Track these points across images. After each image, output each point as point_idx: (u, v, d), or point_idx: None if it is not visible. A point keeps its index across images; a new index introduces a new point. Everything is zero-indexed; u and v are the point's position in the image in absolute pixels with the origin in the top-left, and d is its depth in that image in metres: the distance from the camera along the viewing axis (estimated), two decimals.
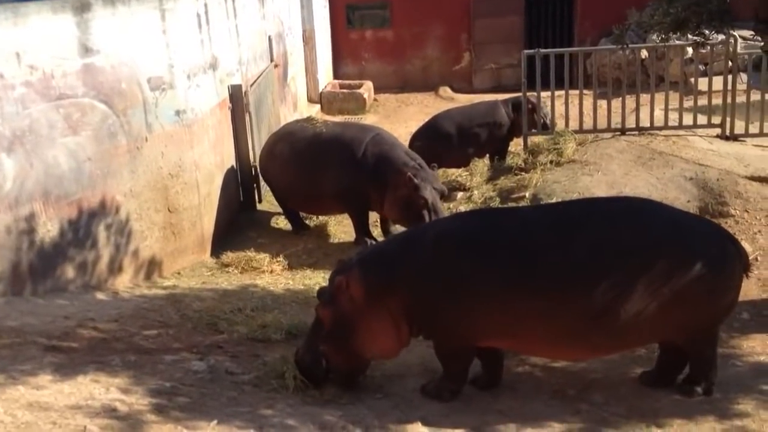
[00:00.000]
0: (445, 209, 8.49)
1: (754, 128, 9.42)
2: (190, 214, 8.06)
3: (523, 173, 9.30)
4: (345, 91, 16.16)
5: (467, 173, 10.07)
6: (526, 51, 10.14)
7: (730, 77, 9.48)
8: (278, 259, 8.21)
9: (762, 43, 6.52)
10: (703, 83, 10.20)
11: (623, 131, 9.74)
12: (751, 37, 6.74)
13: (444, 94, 16.82)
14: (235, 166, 9.54)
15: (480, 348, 4.95)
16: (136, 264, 7.34)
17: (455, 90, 17.07)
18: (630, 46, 9.34)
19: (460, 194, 9.47)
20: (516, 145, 10.91)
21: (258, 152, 9.82)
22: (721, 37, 8.62)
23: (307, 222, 9.40)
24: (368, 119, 14.65)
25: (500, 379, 5.15)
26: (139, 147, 7.27)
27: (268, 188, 9.80)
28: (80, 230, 6.70)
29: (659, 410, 4.75)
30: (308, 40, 15.46)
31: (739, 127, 9.47)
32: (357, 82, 16.75)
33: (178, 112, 7.83)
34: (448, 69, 17.57)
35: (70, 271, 6.62)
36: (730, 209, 7.93)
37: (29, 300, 6.16)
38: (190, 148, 8.05)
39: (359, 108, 15.66)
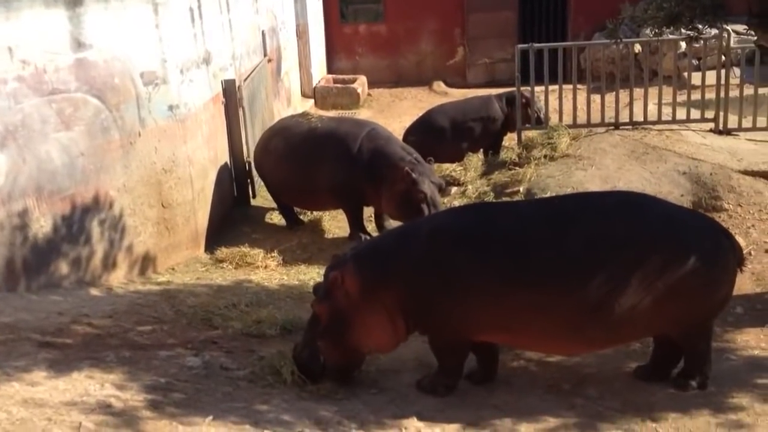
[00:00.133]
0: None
1: (747, 122, 9.43)
2: (184, 210, 8.04)
3: (517, 168, 9.29)
4: (339, 85, 16.12)
5: (461, 168, 10.06)
6: (519, 45, 10.13)
7: (723, 72, 9.49)
8: (273, 254, 8.20)
9: (755, 38, 6.53)
10: (696, 78, 10.23)
11: (617, 126, 9.75)
12: (744, 31, 6.77)
13: (438, 89, 16.80)
14: (228, 161, 9.52)
15: (475, 343, 4.96)
16: (130, 259, 7.32)
17: (449, 85, 17.06)
18: (623, 40, 9.32)
19: (454, 189, 9.46)
20: (510, 139, 10.90)
21: (252, 147, 9.80)
22: (714, 31, 8.60)
23: (301, 217, 9.38)
24: (362, 114, 14.62)
25: (495, 374, 5.16)
26: (132, 142, 7.24)
27: (262, 183, 9.79)
28: (74, 226, 6.68)
29: (654, 404, 4.76)
30: (302, 34, 15.42)
31: (733, 121, 9.48)
32: (351, 76, 16.71)
33: (171, 107, 7.81)
34: (441, 64, 17.55)
35: (63, 267, 6.60)
36: (724, 203, 7.95)
37: (23, 296, 6.14)
38: (183, 143, 8.03)
39: (353, 103, 15.63)
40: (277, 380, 4.93)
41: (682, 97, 10.01)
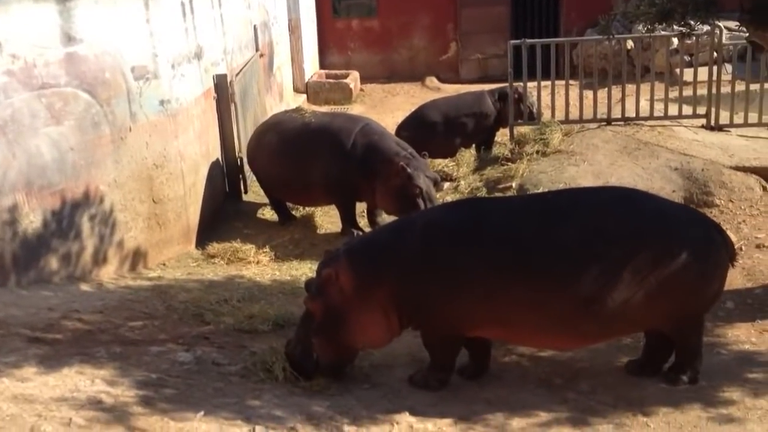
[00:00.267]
0: None
1: (738, 119, 9.44)
2: (175, 205, 8.01)
3: (509, 163, 9.29)
4: (331, 81, 16.10)
5: (454, 163, 10.06)
6: (512, 41, 10.12)
7: (715, 68, 9.50)
8: (265, 249, 8.19)
9: (747, 34, 6.54)
10: (688, 74, 10.22)
11: (609, 122, 9.75)
12: (736, 27, 6.77)
13: (430, 84, 16.79)
14: (220, 156, 9.49)
15: (467, 338, 4.96)
16: (120, 255, 7.29)
17: (442, 80, 17.05)
18: (616, 36, 9.32)
19: (446, 184, 9.46)
20: (502, 135, 10.91)
21: (243, 142, 9.77)
22: (706, 27, 8.63)
23: (293, 213, 9.36)
24: (355, 109, 14.61)
25: (487, 369, 5.17)
26: (123, 137, 7.21)
27: (253, 178, 9.76)
28: (64, 221, 6.64)
29: (645, 399, 4.77)
30: (294, 29, 15.38)
31: (724, 117, 9.49)
32: (343, 72, 16.69)
33: (162, 102, 7.77)
34: (434, 59, 17.54)
35: (53, 263, 6.57)
36: (715, 199, 7.97)
37: (13, 291, 6.11)
38: (174, 138, 8.00)
39: (346, 98, 15.61)
40: (268, 376, 4.92)
41: (674, 93, 10.01)
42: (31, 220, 6.33)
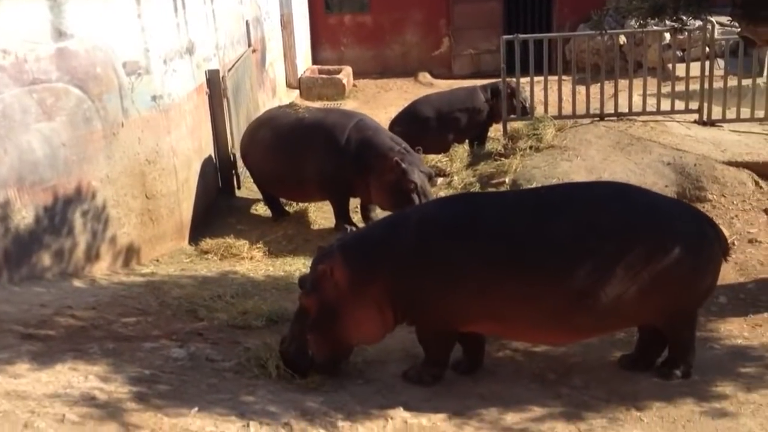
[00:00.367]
0: None
1: (731, 114, 9.47)
2: (168, 201, 7.99)
3: (502, 159, 9.30)
4: (324, 76, 16.07)
5: (447, 159, 10.07)
6: (505, 36, 10.11)
7: (707, 63, 9.52)
8: (258, 245, 8.18)
9: (739, 29, 6.54)
10: (680, 69, 10.27)
11: (602, 117, 9.77)
12: (729, 22, 6.78)
13: (423, 80, 16.78)
14: (213, 151, 9.47)
15: (461, 333, 4.96)
16: (113, 251, 7.27)
17: (435, 75, 17.04)
18: (608, 31, 9.33)
19: (440, 180, 9.46)
20: (495, 130, 10.91)
21: (236, 138, 9.75)
22: (698, 23, 8.64)
23: (287, 208, 9.35)
24: (347, 105, 14.58)
25: (481, 364, 5.18)
26: (115, 132, 7.18)
27: (247, 174, 9.74)
28: (56, 217, 6.62)
29: (638, 393, 4.79)
30: (286, 24, 15.34)
31: (717, 112, 9.52)
32: (336, 67, 16.66)
33: (154, 98, 7.74)
34: (427, 54, 17.53)
35: (46, 259, 6.54)
36: (707, 194, 7.99)
37: (5, 288, 6.08)
38: (167, 133, 7.97)
39: (338, 94, 15.58)
40: (262, 372, 4.91)
41: (666, 89, 10.03)
42: (23, 216, 6.30)
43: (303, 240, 8.51)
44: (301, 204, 9.38)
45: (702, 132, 9.24)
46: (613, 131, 9.31)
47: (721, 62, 10.33)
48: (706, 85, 9.48)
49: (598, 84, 9.96)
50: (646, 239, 4.67)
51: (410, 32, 17.57)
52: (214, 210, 9.22)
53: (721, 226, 6.76)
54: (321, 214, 9.18)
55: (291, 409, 4.35)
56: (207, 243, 8.16)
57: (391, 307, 4.85)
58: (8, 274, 6.19)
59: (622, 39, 12.89)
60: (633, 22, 8.06)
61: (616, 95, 9.74)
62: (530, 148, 9.26)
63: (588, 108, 9.87)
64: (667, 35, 11.55)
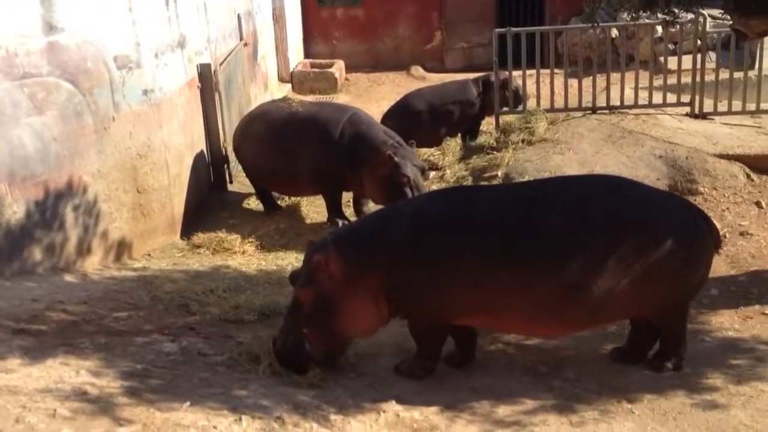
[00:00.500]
0: None
1: (722, 106, 9.49)
2: (160, 195, 7.97)
3: (494, 152, 9.30)
4: (316, 70, 16.03)
5: (439, 152, 10.06)
6: (497, 30, 10.10)
7: (699, 56, 9.54)
8: (250, 239, 8.17)
9: (731, 22, 6.55)
10: (672, 62, 10.27)
11: (594, 110, 9.77)
12: (720, 15, 6.77)
13: (416, 74, 16.75)
14: (205, 146, 9.44)
15: (453, 326, 4.97)
16: (105, 245, 7.25)
17: (427, 69, 17.01)
18: (600, 25, 9.34)
19: (432, 173, 9.46)
20: (488, 124, 10.91)
21: (228, 132, 9.73)
22: (690, 15, 8.65)
23: (279, 202, 9.34)
24: (340, 99, 14.56)
25: (473, 357, 5.19)
26: (106, 127, 7.15)
27: (239, 168, 9.72)
28: (47, 212, 6.59)
29: (630, 385, 4.81)
30: (278, 18, 15.28)
31: (708, 105, 9.53)
32: (328, 61, 16.61)
33: (145, 92, 7.72)
34: (419, 48, 17.49)
35: (37, 254, 6.52)
36: (699, 187, 8.02)
37: None
38: (158, 127, 7.94)
39: (331, 87, 15.55)
40: (255, 367, 4.90)
41: (658, 82, 10.04)
42: (15, 211, 6.28)
43: (295, 234, 8.50)
44: (293, 198, 9.37)
45: (694, 125, 9.25)
46: (605, 124, 9.32)
47: (713, 55, 10.35)
48: (698, 78, 9.49)
49: (590, 77, 9.96)
50: (638, 232, 4.68)
51: (402, 26, 17.53)
52: (206, 204, 9.20)
53: (713, 219, 6.80)
54: (313, 208, 9.17)
55: (283, 403, 4.35)
56: (199, 237, 8.15)
57: (385, 299, 4.85)
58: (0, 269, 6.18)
59: (614, 32, 12.88)
60: (625, 15, 8.05)
61: (608, 88, 9.75)
62: (522, 141, 9.26)
63: (580, 101, 9.88)
64: (659, 28, 11.52)
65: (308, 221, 8.96)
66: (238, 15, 11.72)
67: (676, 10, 6.50)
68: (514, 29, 9.90)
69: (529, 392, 4.77)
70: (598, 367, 5.11)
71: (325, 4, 17.49)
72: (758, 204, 7.80)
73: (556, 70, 9.95)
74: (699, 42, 9.71)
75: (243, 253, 7.91)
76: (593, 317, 4.85)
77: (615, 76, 9.82)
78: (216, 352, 5.14)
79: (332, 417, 4.28)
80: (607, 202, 4.78)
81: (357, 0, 17.45)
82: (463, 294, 4.73)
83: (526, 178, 8.12)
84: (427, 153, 10.02)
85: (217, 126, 9.57)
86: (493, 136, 9.81)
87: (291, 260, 7.50)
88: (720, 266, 6.76)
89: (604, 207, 4.73)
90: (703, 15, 9.28)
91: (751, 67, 10.01)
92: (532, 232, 4.67)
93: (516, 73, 10.08)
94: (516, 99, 10.25)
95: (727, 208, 7.76)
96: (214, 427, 3.94)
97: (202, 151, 9.31)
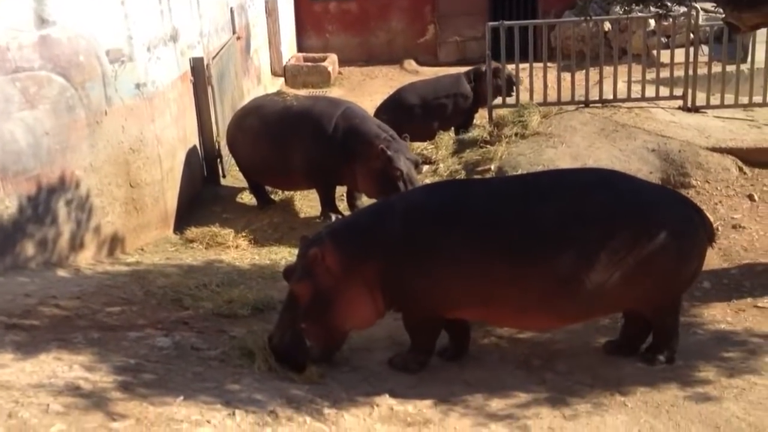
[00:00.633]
0: None
1: (715, 100, 9.51)
2: (153, 189, 7.95)
3: (488, 146, 9.30)
4: (309, 64, 15.99)
5: (432, 146, 10.06)
6: (490, 23, 10.09)
7: (692, 49, 9.55)
8: (243, 234, 8.15)
9: (723, 15, 6.56)
10: (665, 55, 10.28)
11: (587, 104, 9.78)
12: (713, 8, 6.79)
13: (409, 67, 16.74)
14: (198, 140, 9.42)
15: (447, 320, 4.98)
16: (97, 240, 7.22)
17: (420, 63, 17.00)
18: (593, 18, 9.34)
19: (425, 167, 9.45)
20: (481, 118, 10.91)
21: (221, 126, 9.70)
22: (682, 9, 8.66)
23: (272, 196, 9.32)
24: (333, 92, 14.54)
25: (467, 351, 5.20)
26: (98, 121, 7.13)
27: (232, 163, 9.70)
28: (40, 206, 6.57)
29: (623, 378, 4.82)
30: (271, 12, 15.23)
31: (701, 98, 9.55)
32: (321, 55, 16.58)
33: (138, 85, 7.69)
34: (412, 42, 17.47)
35: (30, 249, 6.50)
36: (692, 180, 8.03)
37: None
38: (151, 121, 7.92)
39: (324, 81, 15.52)
40: (248, 362, 4.89)
41: (651, 75, 10.05)
42: (7, 206, 6.25)
43: (289, 228, 8.49)
44: (286, 192, 9.36)
45: (686, 118, 9.27)
46: (598, 118, 9.32)
47: (705, 48, 10.36)
48: (691, 72, 9.50)
49: (583, 71, 9.97)
50: (632, 225, 4.69)
51: (396, 19, 17.50)
52: (199, 199, 9.18)
53: (706, 212, 6.82)
54: (307, 203, 9.16)
55: (277, 397, 4.35)
56: (192, 232, 8.13)
57: (381, 292, 4.85)
58: None
59: (607, 25, 12.90)
60: (618, 9, 8.05)
61: (601, 82, 9.75)
62: (515, 135, 9.25)
63: (573, 95, 9.88)
64: (652, 21, 11.54)
65: (302, 215, 8.95)
66: (231, 8, 11.68)
67: (668, 4, 6.52)
68: (507, 23, 9.89)
69: (522, 385, 4.78)
70: (591, 360, 5.12)
71: None
72: (750, 197, 7.82)
73: (549, 64, 9.94)
74: (692, 35, 9.72)
75: (236, 247, 7.89)
76: (586, 310, 4.86)
77: (608, 70, 9.82)
78: (209, 346, 5.14)
79: (326, 411, 4.28)
80: (600, 195, 4.79)
81: None
82: (457, 287, 4.74)
83: (519, 172, 8.12)
84: (420, 147, 10.02)
85: (210, 120, 9.54)
86: (486, 130, 9.81)
87: (284, 255, 7.49)
88: (712, 259, 6.77)
89: (597, 200, 4.74)
90: (696, 8, 9.29)
91: (744, 60, 10.03)
92: (525, 226, 4.68)
93: (509, 67, 10.08)
94: (509, 85, 10.23)
95: (720, 201, 7.78)
96: (208, 422, 3.94)
97: (194, 146, 9.28)
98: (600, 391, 4.69)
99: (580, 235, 4.62)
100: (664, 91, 9.71)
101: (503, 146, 9.08)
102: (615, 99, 9.73)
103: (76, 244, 6.97)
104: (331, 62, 16.11)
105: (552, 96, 10.02)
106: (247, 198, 9.37)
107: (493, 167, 8.79)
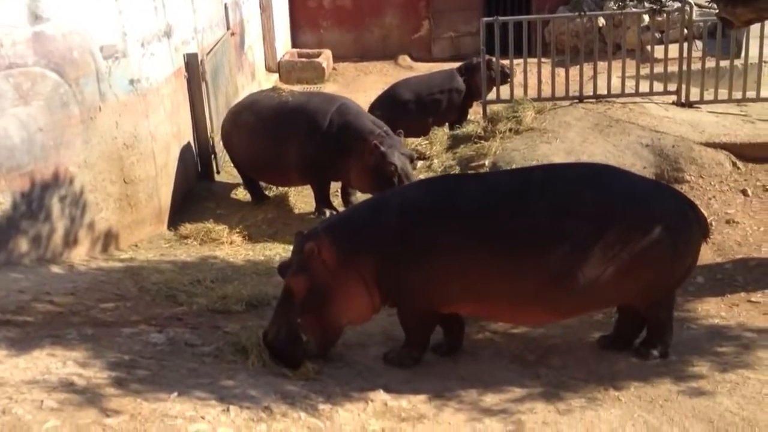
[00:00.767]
0: None
1: (709, 95, 9.52)
2: (147, 186, 7.93)
3: (482, 141, 9.30)
4: (303, 60, 15.96)
5: (427, 142, 10.06)
6: (485, 19, 10.08)
7: (685, 45, 9.55)
8: (238, 230, 8.15)
9: (717, 10, 6.57)
10: (659, 51, 10.28)
11: (581, 99, 9.78)
12: (707, 4, 6.80)
13: (403, 63, 16.71)
14: (192, 136, 9.40)
15: (442, 315, 4.98)
16: (91, 236, 7.21)
17: (414, 59, 16.96)
18: (587, 14, 9.34)
19: (419, 163, 9.46)
20: (475, 113, 10.91)
21: (216, 122, 9.69)
22: (677, 4, 8.68)
23: (267, 192, 9.32)
24: (327, 88, 14.51)
25: (461, 346, 5.20)
26: (92, 117, 7.11)
27: (226, 159, 9.69)
28: (33, 202, 6.56)
29: (617, 373, 4.84)
30: (265, 7, 15.19)
31: (695, 94, 9.55)
32: (315, 50, 16.54)
33: (132, 81, 7.67)
34: (407, 37, 17.44)
35: (23, 245, 6.49)
36: (685, 175, 8.04)
37: None
38: (145, 117, 7.90)
39: (318, 77, 15.49)
40: (242, 358, 4.88)
41: (645, 70, 10.06)
42: (0, 202, 6.24)
43: (283, 224, 8.49)
44: (281, 188, 9.36)
45: (680, 113, 9.28)
46: (592, 113, 9.33)
47: (699, 44, 10.36)
48: (685, 67, 9.52)
49: (578, 66, 9.97)
50: (625, 220, 4.70)
51: (390, 15, 17.46)
52: (194, 195, 9.17)
53: (699, 207, 6.83)
54: (301, 198, 9.16)
55: (271, 393, 4.35)
56: (186, 228, 8.13)
57: (376, 286, 4.86)
58: None
59: (601, 21, 12.89)
60: (612, 4, 8.07)
61: (595, 77, 9.76)
62: (510, 130, 9.25)
63: (567, 90, 9.88)
64: (646, 17, 11.56)
65: (296, 211, 8.95)
66: (225, 4, 11.65)
67: None
68: (501, 18, 9.88)
69: (516, 380, 4.79)
70: (585, 355, 5.13)
71: None
72: (744, 192, 7.84)
73: (543, 59, 9.95)
74: (685, 30, 9.73)
75: (230, 243, 7.89)
76: (580, 305, 4.87)
77: (602, 65, 9.83)
78: (203, 342, 5.14)
79: (320, 406, 4.29)
80: (594, 190, 4.79)
81: None
82: (452, 282, 4.75)
83: (514, 167, 8.12)
84: (414, 142, 10.02)
85: (204, 116, 9.53)
86: (481, 125, 9.80)
87: (279, 250, 7.49)
88: (706, 254, 6.79)
89: (591, 195, 4.75)
90: (690, 3, 9.30)
91: (738, 55, 10.05)
92: (519, 221, 4.68)
93: (503, 62, 10.08)
94: (503, 76, 10.22)
95: (714, 197, 7.80)
96: (202, 417, 3.94)
97: (189, 142, 9.27)
98: (594, 385, 4.70)
99: (575, 230, 4.63)
100: (658, 87, 9.72)
101: (497, 142, 9.09)
102: (609, 94, 9.74)
103: (70, 241, 6.96)
104: (326, 58, 16.08)
105: (546, 91, 10.02)
106: (242, 194, 9.37)
107: (487, 162, 8.79)
